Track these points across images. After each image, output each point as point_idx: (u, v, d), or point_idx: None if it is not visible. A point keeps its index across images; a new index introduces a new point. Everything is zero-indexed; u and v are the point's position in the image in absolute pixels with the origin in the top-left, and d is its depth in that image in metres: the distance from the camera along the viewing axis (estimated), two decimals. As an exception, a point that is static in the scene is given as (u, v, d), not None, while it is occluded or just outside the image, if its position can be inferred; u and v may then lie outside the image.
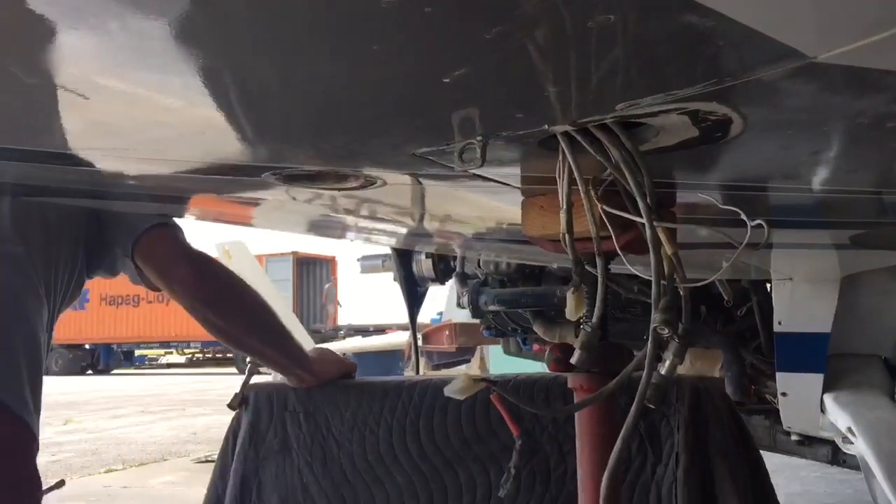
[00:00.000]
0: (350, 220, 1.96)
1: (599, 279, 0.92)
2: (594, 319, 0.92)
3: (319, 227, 2.17)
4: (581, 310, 0.98)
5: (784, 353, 2.46)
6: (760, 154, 1.06)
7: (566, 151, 0.94)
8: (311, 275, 26.85)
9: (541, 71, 0.78)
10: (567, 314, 0.98)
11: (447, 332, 9.65)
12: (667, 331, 0.85)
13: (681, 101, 0.83)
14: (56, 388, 18.37)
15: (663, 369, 0.90)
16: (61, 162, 1.20)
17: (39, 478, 1.66)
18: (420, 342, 9.83)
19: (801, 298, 2.41)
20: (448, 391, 0.86)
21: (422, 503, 1.98)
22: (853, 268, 2.35)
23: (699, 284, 0.93)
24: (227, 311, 1.88)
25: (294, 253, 25.43)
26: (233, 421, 2.18)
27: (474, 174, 1.12)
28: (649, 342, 0.87)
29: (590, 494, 1.06)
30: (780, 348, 2.47)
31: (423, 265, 3.33)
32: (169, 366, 31.53)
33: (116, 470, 8.53)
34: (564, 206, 0.98)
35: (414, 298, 3.45)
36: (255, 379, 2.26)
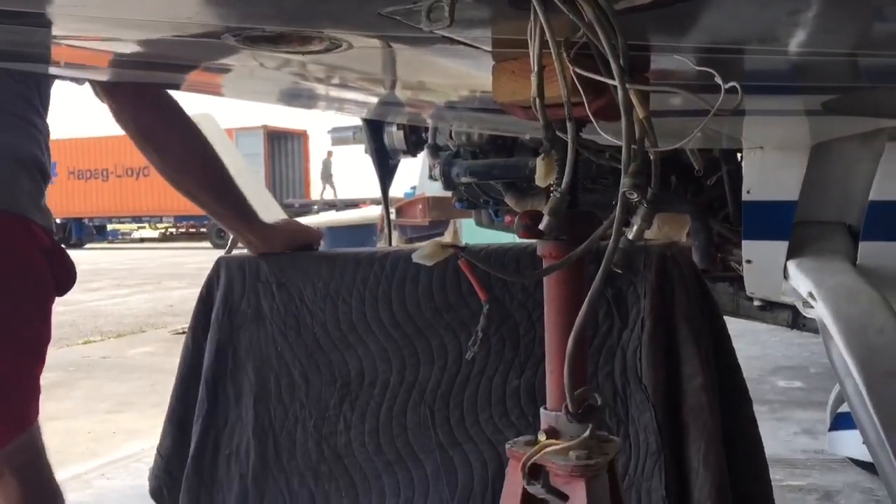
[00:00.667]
0: (320, 88, 1.91)
1: (570, 145, 0.91)
2: (563, 186, 0.91)
3: (290, 96, 2.11)
4: (551, 176, 0.98)
5: (751, 221, 2.49)
6: (738, 13, 1.03)
7: (538, 10, 0.90)
8: (283, 149, 26.51)
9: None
10: (537, 180, 0.98)
11: (420, 206, 9.68)
12: (636, 195, 0.85)
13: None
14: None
15: (631, 234, 0.90)
16: (21, 21, 1.14)
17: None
18: (393, 216, 9.88)
19: (770, 167, 2.42)
20: (416, 257, 0.86)
21: (394, 369, 2.03)
22: (823, 135, 2.35)
23: (670, 149, 0.92)
24: (169, 147, 1.90)
25: (264, 126, 25.01)
26: (202, 291, 2.20)
27: (443, 36, 1.08)
28: (618, 206, 0.87)
29: (556, 357, 1.08)
30: (748, 216, 2.50)
31: (394, 137, 3.29)
32: (142, 240, 31.49)
33: (94, 341, 8.66)
34: (535, 70, 0.95)
35: (385, 171, 3.42)
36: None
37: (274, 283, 2.16)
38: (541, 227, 0.91)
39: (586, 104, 0.95)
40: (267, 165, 24.69)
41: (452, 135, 3.12)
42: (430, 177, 3.46)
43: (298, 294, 2.13)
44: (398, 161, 3.45)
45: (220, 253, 2.50)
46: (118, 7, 0.97)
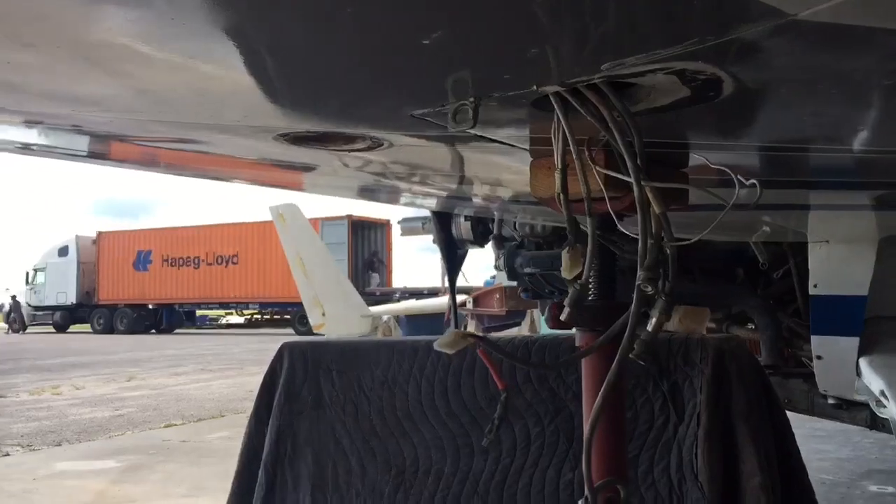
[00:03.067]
0: (394, 184, 2.00)
1: (590, 240, 0.94)
2: (583, 278, 0.93)
3: (366, 191, 2.21)
4: (576, 269, 1.00)
5: (819, 316, 2.42)
6: (760, 113, 1.05)
7: (558, 112, 0.95)
8: (366, 238, 27.07)
9: (521, 32, 0.80)
10: (562, 272, 1.00)
11: (497, 296, 9.70)
12: (650, 288, 0.87)
13: (665, 60, 0.84)
14: (121, 346, 19.03)
15: (649, 326, 0.91)
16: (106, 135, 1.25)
17: None
18: (470, 305, 9.92)
19: (837, 261, 2.37)
20: (437, 345, 0.89)
21: (448, 458, 2.04)
22: (892, 229, 2.29)
23: (685, 244, 0.94)
24: None
25: (349, 216, 25.64)
26: (265, 377, 2.26)
27: (477, 135, 1.14)
28: (634, 299, 0.89)
29: (587, 445, 1.08)
30: (816, 311, 2.44)
31: (462, 227, 3.36)
32: (228, 326, 32.30)
33: (175, 425, 8.83)
34: (559, 167, 0.99)
35: (453, 261, 3.48)
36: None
37: (335, 370, 2.21)
38: (561, 318, 0.93)
39: (608, 200, 0.98)
40: (350, 253, 25.25)
41: (517, 226, 3.17)
42: (496, 266, 3.51)
43: (357, 381, 2.17)
44: (466, 251, 3.51)
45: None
46: (176, 112, 1.06)
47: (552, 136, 1.00)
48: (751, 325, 3.08)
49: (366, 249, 27.00)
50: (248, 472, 2.26)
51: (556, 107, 0.95)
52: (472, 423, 2.03)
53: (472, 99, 0.93)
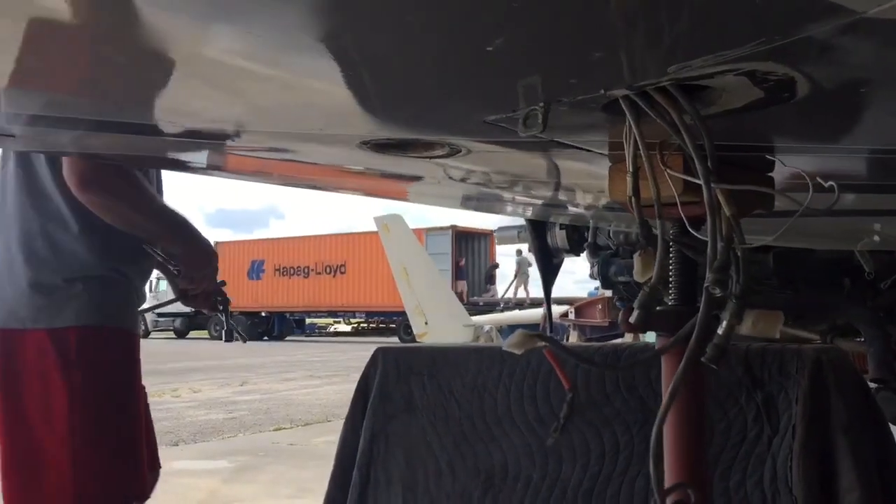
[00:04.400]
0: (490, 192, 2.04)
1: (659, 243, 0.94)
2: (653, 281, 0.94)
3: (468, 200, 2.26)
4: (649, 272, 1.01)
5: (930, 327, 2.30)
6: (843, 114, 1.03)
7: (628, 116, 0.96)
8: (470, 248, 27.24)
9: (585, 36, 0.81)
10: (634, 275, 1.01)
11: (600, 306, 9.59)
12: (718, 290, 0.86)
13: (733, 61, 0.84)
14: (236, 352, 19.78)
15: (720, 330, 0.91)
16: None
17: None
18: (572, 316, 9.84)
19: (950, 270, 2.24)
20: (506, 346, 0.91)
21: (537, 464, 2.05)
22: None
23: (755, 245, 0.93)
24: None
25: (453, 227, 25.89)
26: (360, 381, 2.33)
27: (553, 140, 1.16)
28: (703, 302, 0.89)
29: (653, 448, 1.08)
30: (927, 323, 2.32)
31: (557, 236, 3.35)
32: (336, 334, 33.09)
33: (284, 428, 9.13)
34: (630, 170, 1.00)
35: (548, 269, 3.47)
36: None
37: (426, 374, 2.26)
38: (630, 320, 0.94)
39: (679, 204, 0.98)
40: (453, 264, 25.48)
41: (611, 234, 3.14)
42: (590, 275, 3.48)
43: (448, 385, 2.21)
44: (561, 260, 3.50)
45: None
46: (259, 122, 1.12)
47: (624, 140, 1.01)
48: (859, 339, 2.95)
49: (469, 259, 27.13)
50: (343, 473, 2.33)
51: (626, 110, 0.96)
52: (561, 429, 2.04)
53: (541, 104, 0.95)
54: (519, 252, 25.16)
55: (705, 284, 0.88)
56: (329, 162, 1.65)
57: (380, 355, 2.33)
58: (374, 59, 0.90)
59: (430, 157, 1.25)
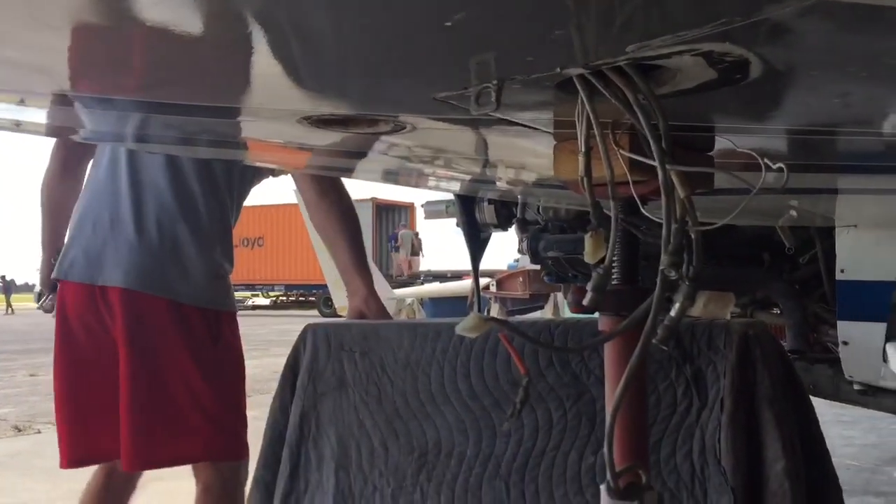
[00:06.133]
0: (417, 167, 2.01)
1: (613, 224, 0.94)
2: (605, 263, 0.93)
3: (390, 175, 2.23)
4: (599, 253, 1.00)
5: (846, 301, 2.40)
6: (789, 96, 1.04)
7: (582, 95, 0.94)
8: (391, 221, 27.15)
9: (546, 12, 0.79)
10: (585, 257, 1.00)
11: (521, 279, 9.68)
12: (673, 273, 0.86)
13: (691, 42, 0.83)
14: (148, 328, 19.18)
15: (673, 312, 0.91)
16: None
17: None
18: (494, 288, 9.91)
19: (864, 246, 2.34)
20: (459, 329, 0.89)
21: (470, 440, 2.04)
22: (922, 215, 2.27)
23: (710, 227, 0.93)
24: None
25: (373, 199, 25.73)
26: (289, 358, 2.28)
27: (501, 118, 1.14)
28: (658, 284, 0.89)
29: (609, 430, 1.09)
30: (842, 297, 2.42)
31: (485, 211, 3.35)
32: (254, 307, 32.56)
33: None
34: (583, 150, 0.99)
35: (476, 245, 3.47)
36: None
37: (357, 352, 2.22)
38: (584, 302, 0.93)
39: (632, 184, 0.97)
40: (374, 236, 25.36)
41: (540, 210, 3.16)
42: (519, 250, 3.50)
43: (380, 363, 2.18)
44: (489, 235, 3.50)
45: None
46: (200, 96, 1.07)
47: (576, 119, 1.00)
48: (776, 310, 3.06)
49: (390, 232, 27.02)
50: (273, 453, 2.28)
51: (580, 89, 0.94)
52: (494, 405, 2.04)
53: (495, 81, 0.92)
54: (403, 226, 25.29)
55: (661, 267, 0.87)
56: (259, 136, 1.59)
57: (309, 332, 2.29)
58: (319, 33, 0.86)
59: (374, 134, 1.21)
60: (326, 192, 2.52)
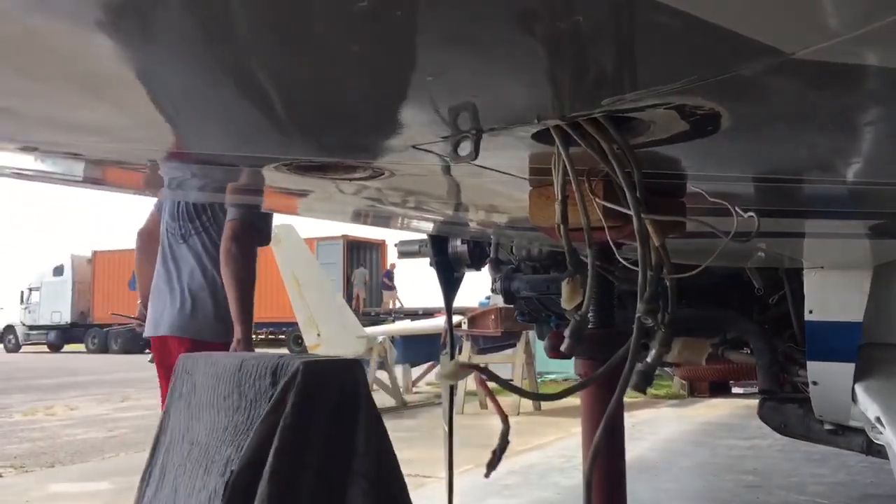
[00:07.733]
0: (390, 209, 2.02)
1: (590, 270, 0.95)
2: (583, 309, 0.94)
3: (360, 216, 2.23)
4: (576, 299, 1.01)
5: (815, 342, 2.43)
6: (758, 147, 1.07)
7: (559, 145, 0.96)
8: (362, 258, 27.08)
9: (523, 68, 0.81)
10: (562, 303, 1.01)
11: (493, 317, 9.68)
12: (650, 320, 0.87)
13: (664, 95, 0.85)
14: (115, 366, 18.94)
15: (650, 358, 0.92)
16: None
17: None
18: (466, 326, 9.90)
19: (832, 287, 2.38)
20: (438, 376, 0.89)
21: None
22: (886, 256, 2.31)
23: (686, 276, 0.95)
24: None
25: (344, 236, 25.66)
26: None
27: (479, 165, 1.15)
28: (634, 332, 0.90)
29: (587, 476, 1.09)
30: (811, 337, 2.45)
31: (458, 251, 3.36)
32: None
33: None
34: (559, 198, 1.00)
35: (449, 284, 3.47)
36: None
37: (189, 373, 2.41)
38: (562, 348, 0.94)
39: (607, 231, 0.99)
40: (344, 274, 25.26)
41: (513, 250, 3.18)
42: (492, 290, 3.51)
43: (194, 381, 2.36)
44: (462, 274, 3.50)
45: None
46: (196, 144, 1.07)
47: (552, 167, 1.02)
48: (747, 350, 3.08)
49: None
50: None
51: (556, 139, 0.96)
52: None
53: (473, 131, 0.94)
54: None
55: (637, 314, 0.89)
56: (233, 181, 1.60)
57: (180, 360, 2.45)
58: (302, 86, 0.87)
59: (351, 180, 1.22)
60: (228, 248, 3.09)
